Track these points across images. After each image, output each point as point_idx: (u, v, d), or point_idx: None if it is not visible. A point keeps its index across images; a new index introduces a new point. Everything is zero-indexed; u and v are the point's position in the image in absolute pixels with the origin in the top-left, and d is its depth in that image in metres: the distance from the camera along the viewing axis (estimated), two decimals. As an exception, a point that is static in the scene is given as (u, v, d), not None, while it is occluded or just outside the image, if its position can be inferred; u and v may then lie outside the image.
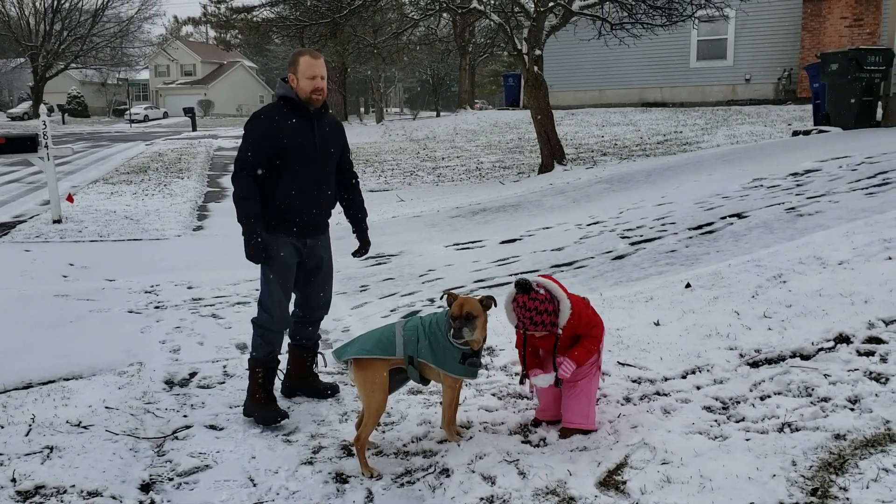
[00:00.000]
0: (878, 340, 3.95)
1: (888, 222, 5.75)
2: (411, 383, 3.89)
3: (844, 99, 13.40)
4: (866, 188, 7.42)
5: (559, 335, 3.51)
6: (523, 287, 3.43)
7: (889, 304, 4.25)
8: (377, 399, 3.56)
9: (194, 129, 44.52)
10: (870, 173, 8.12)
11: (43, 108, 12.15)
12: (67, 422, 4.18)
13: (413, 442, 3.79)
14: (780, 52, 24.88)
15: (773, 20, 24.44)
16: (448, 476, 3.39)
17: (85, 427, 4.11)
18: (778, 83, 25.02)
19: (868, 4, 23.05)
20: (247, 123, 4.19)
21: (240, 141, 4.29)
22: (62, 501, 3.37)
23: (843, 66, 13.20)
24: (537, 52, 15.19)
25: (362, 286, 7.67)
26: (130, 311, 6.77)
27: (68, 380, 4.91)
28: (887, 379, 3.58)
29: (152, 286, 7.78)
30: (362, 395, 3.61)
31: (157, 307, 6.93)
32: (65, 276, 8.31)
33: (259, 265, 4.23)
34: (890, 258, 4.93)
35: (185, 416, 4.34)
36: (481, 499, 3.15)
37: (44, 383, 4.85)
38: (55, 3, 50.45)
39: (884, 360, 3.76)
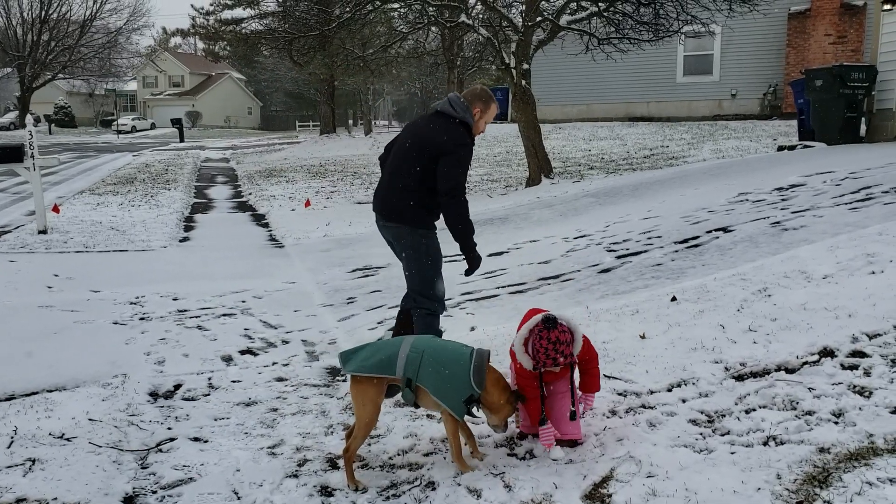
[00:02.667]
0: (862, 354, 3.97)
1: (871, 237, 5.80)
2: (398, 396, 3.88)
3: (829, 115, 13.54)
4: (850, 203, 7.49)
5: (574, 363, 3.53)
6: (552, 322, 3.40)
7: (873, 318, 4.28)
8: (368, 412, 3.54)
9: (182, 141, 44.53)
10: (853, 188, 8.20)
11: (29, 118, 12.08)
12: (50, 434, 4.13)
13: (399, 455, 3.78)
14: (766, 68, 25.15)
15: (759, 36, 24.70)
16: (434, 489, 3.37)
17: (68, 439, 4.07)
18: (763, 99, 25.28)
19: (852, 22, 23.36)
20: (461, 149, 4.52)
21: (450, 164, 4.51)
22: (43, 515, 3.33)
23: (827, 82, 13.35)
24: (525, 66, 15.26)
25: (349, 298, 7.65)
26: (115, 323, 6.72)
27: (52, 391, 4.86)
28: (871, 392, 3.60)
29: (137, 297, 7.73)
30: (355, 407, 3.60)
31: (142, 318, 6.88)
32: (49, 287, 8.25)
33: (420, 261, 4.74)
34: (873, 272, 4.97)
35: (169, 428, 4.31)
36: (467, 512, 3.14)
37: (27, 395, 4.81)
38: (43, 13, 50.31)
39: (867, 373, 3.78)
